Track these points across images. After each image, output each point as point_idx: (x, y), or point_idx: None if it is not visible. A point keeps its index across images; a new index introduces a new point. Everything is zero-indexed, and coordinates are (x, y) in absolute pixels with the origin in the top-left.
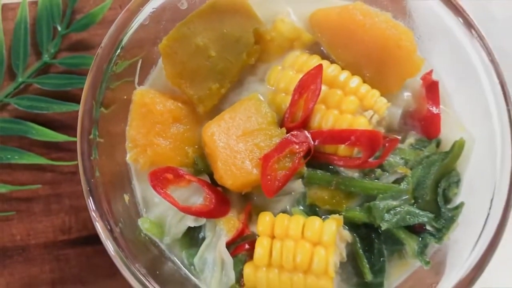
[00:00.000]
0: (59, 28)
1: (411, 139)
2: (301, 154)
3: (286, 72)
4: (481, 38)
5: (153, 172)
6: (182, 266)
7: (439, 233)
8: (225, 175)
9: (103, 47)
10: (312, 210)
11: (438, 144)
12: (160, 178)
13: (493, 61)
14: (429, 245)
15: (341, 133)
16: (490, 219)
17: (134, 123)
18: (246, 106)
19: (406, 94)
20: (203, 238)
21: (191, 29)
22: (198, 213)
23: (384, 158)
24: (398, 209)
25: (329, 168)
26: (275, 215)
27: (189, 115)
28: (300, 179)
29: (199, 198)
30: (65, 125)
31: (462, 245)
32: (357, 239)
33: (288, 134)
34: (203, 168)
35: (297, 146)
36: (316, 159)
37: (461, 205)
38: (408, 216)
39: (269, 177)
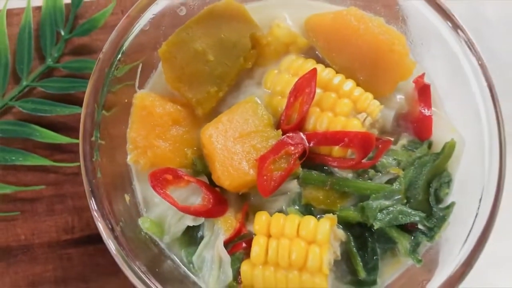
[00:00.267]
0: (62, 33)
1: (403, 141)
2: (297, 155)
3: (282, 76)
4: (470, 42)
5: (153, 173)
6: (181, 264)
7: (431, 232)
8: (223, 175)
9: (104, 52)
10: (307, 209)
11: (429, 146)
12: (160, 179)
13: (481, 64)
14: (421, 244)
15: (335, 135)
16: (479, 218)
17: (134, 125)
18: (243, 108)
19: (399, 97)
20: (202, 237)
21: (190, 35)
22: (196, 213)
23: (377, 159)
24: (391, 208)
25: (324, 169)
26: (271, 215)
27: (188, 117)
28: (296, 180)
29: (197, 198)
30: (68, 128)
31: (452, 243)
32: (351, 238)
33: (283, 136)
34: (201, 169)
35: (292, 148)
36: (311, 160)
37: (452, 204)
38: (400, 216)
39: (265, 177)
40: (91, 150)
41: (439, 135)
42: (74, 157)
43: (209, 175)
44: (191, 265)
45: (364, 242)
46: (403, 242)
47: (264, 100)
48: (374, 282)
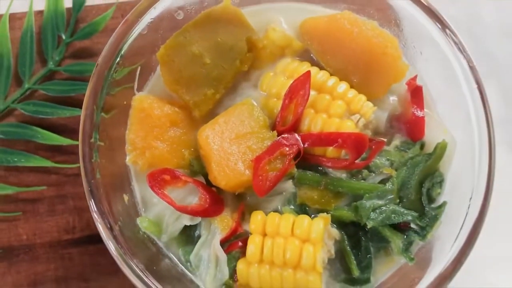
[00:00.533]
0: (64, 37)
1: (396, 141)
2: (291, 156)
3: (278, 78)
4: (461, 45)
5: (151, 173)
6: (179, 263)
7: (423, 231)
8: (219, 176)
9: (103, 55)
10: (302, 209)
11: (422, 146)
12: (158, 179)
13: (472, 67)
14: (414, 243)
15: (329, 136)
16: (469, 217)
17: (133, 127)
18: (239, 110)
19: (392, 99)
20: (199, 236)
21: (187, 38)
22: (193, 212)
23: (371, 160)
24: (384, 208)
25: (318, 169)
26: (266, 214)
27: (186, 119)
28: (291, 180)
29: (194, 198)
30: (69, 129)
31: (444, 242)
32: (345, 236)
33: (279, 137)
34: (198, 169)
35: (287, 148)
36: (306, 161)
37: (444, 204)
38: (393, 215)
39: (260, 177)
40: (90, 151)
41: (431, 136)
42: (75, 159)
43: (206, 176)
44: (188, 263)
45: (358, 241)
46: (396, 241)
47: (260, 102)
48: (367, 280)
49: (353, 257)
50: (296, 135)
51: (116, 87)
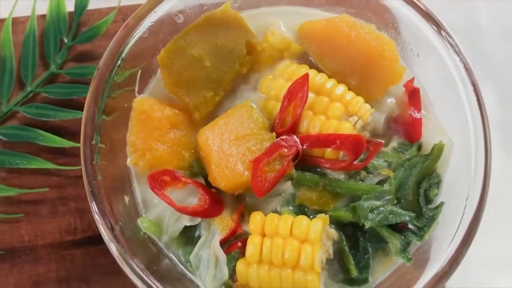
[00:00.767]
0: (66, 40)
1: (394, 143)
2: (290, 157)
3: (277, 81)
4: (457, 48)
5: (152, 174)
6: (179, 263)
7: (421, 232)
8: (219, 177)
9: (104, 59)
10: (301, 210)
11: (419, 148)
12: (158, 181)
13: (468, 69)
14: (411, 243)
15: (327, 138)
16: (465, 217)
17: (134, 129)
18: (239, 112)
19: (390, 101)
20: (199, 237)
21: (187, 41)
22: (193, 213)
23: (368, 161)
24: (382, 208)
25: (317, 170)
26: (266, 215)
27: (186, 121)
28: (290, 181)
29: (194, 199)
30: (71, 132)
31: (441, 242)
32: (343, 237)
33: (278, 139)
34: (198, 170)
35: (286, 150)
36: (304, 162)
37: (441, 205)
38: (391, 216)
39: (259, 178)
40: (91, 153)
41: (429, 138)
42: (77, 161)
43: (205, 177)
44: (188, 263)
45: (356, 242)
46: (394, 241)
47: (259, 104)
48: (365, 280)
49: (351, 257)
50: (295, 136)
51: (117, 89)
